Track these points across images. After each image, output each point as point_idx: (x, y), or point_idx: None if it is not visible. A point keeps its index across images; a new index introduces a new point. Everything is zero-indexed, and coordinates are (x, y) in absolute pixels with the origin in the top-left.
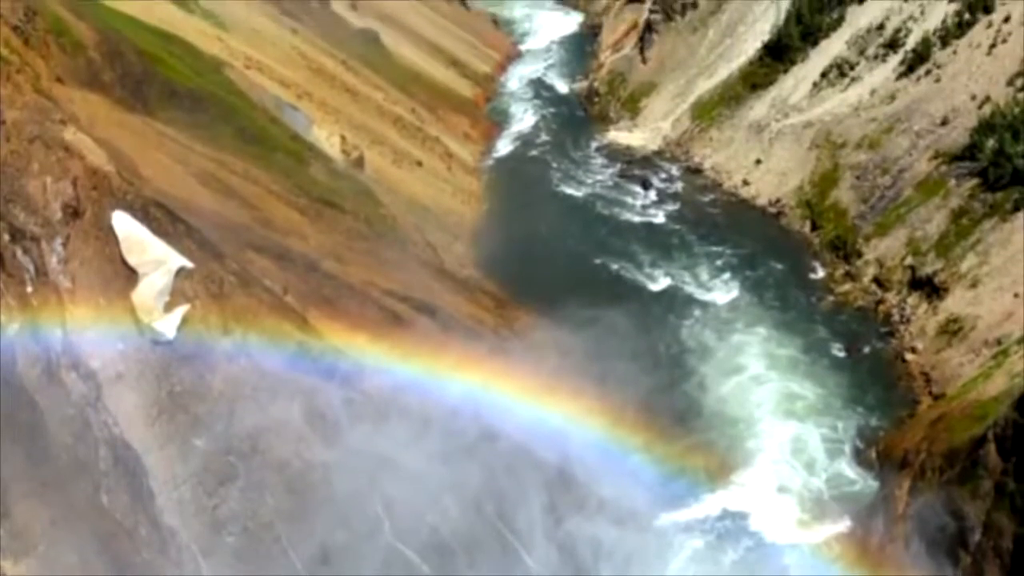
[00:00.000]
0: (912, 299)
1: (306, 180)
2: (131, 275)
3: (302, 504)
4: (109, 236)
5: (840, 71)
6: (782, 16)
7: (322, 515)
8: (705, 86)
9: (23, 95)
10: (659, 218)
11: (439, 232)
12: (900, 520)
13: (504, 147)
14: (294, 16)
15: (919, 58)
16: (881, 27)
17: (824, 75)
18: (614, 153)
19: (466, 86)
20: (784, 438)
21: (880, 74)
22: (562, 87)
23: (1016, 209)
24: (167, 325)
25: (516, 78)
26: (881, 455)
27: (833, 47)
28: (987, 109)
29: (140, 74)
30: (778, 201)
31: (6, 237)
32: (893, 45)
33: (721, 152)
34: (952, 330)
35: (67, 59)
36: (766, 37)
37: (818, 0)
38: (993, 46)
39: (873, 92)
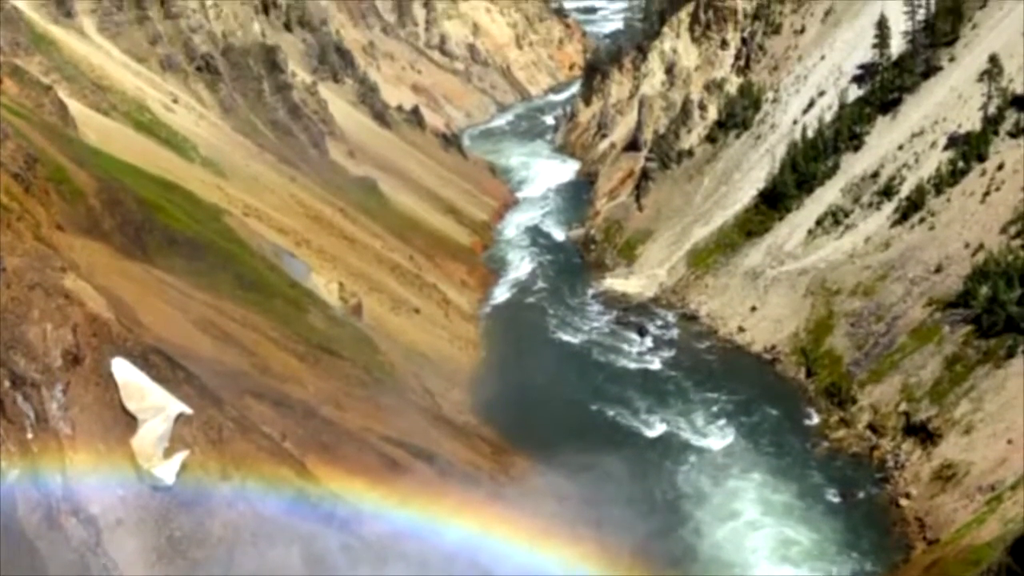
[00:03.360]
0: (906, 445)
1: (304, 327)
2: (131, 421)
3: None
4: (109, 383)
5: (835, 219)
6: (777, 164)
7: None
8: (701, 233)
9: (24, 242)
10: (655, 365)
11: (437, 379)
12: None
13: (501, 294)
14: (292, 164)
15: (913, 206)
16: (875, 175)
17: (819, 223)
18: (610, 300)
19: (463, 233)
20: None
21: (874, 222)
22: (559, 234)
23: (1010, 356)
24: (166, 471)
25: (513, 225)
26: None
27: (828, 195)
28: (981, 256)
29: (140, 222)
30: (773, 348)
31: (7, 383)
32: (887, 193)
33: (717, 299)
34: (946, 476)
35: (67, 207)
36: (761, 185)
37: (813, 148)
38: (987, 194)
39: (867, 240)
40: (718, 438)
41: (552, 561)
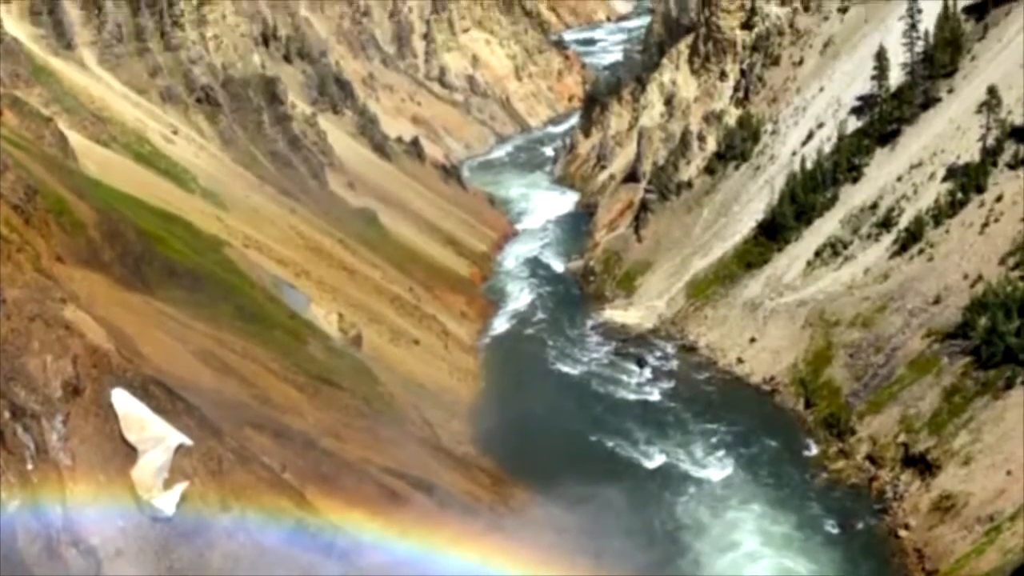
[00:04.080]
0: (905, 476)
1: (304, 358)
2: (131, 452)
3: None
4: (109, 414)
5: (834, 250)
6: (776, 195)
7: None
8: (700, 265)
9: (24, 274)
10: (654, 396)
11: (436, 410)
12: None
13: (500, 325)
14: (292, 195)
15: (912, 237)
16: (874, 206)
17: (818, 254)
18: (609, 331)
19: (463, 265)
20: None
21: (873, 253)
22: (558, 266)
23: (1008, 387)
24: (166, 502)
25: (512, 257)
26: None
27: (827, 226)
28: (979, 288)
29: (140, 253)
30: (772, 379)
31: (7, 415)
32: (886, 224)
33: (716, 330)
34: (945, 507)
35: (67, 238)
36: (760, 216)
37: (812, 180)
38: (985, 225)
39: (866, 271)
40: (717, 469)
41: None
